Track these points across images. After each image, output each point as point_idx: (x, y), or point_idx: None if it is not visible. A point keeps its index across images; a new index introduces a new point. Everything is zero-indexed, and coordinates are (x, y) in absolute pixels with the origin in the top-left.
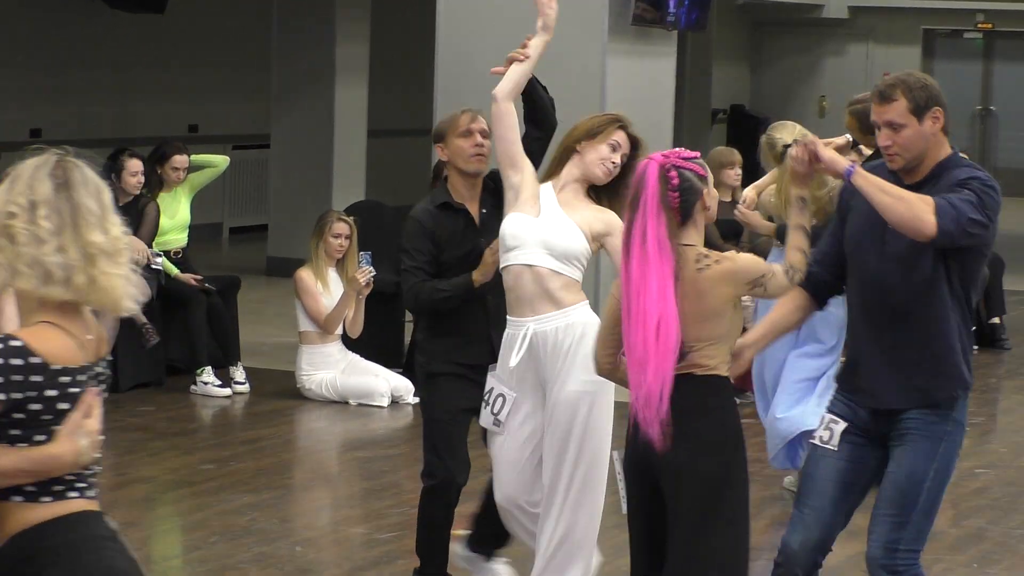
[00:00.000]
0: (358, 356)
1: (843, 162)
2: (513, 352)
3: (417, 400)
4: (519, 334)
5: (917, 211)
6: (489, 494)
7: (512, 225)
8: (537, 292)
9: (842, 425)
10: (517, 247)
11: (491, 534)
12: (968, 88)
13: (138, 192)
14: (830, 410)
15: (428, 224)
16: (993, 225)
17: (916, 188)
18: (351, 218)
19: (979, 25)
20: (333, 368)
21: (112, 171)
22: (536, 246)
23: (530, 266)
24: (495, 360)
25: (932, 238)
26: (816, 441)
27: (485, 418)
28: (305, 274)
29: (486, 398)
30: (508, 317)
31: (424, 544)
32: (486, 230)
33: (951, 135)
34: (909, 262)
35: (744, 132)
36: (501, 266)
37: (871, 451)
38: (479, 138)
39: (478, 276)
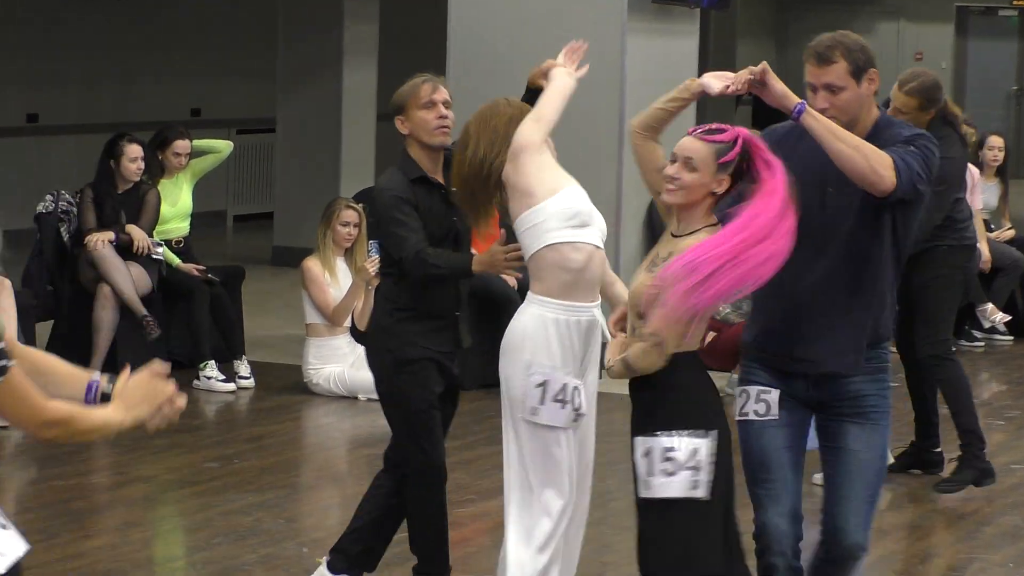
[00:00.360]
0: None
1: (794, 98)
2: (606, 334)
3: None
4: (596, 320)
5: (875, 164)
6: (363, 508)
7: (582, 200)
8: (598, 277)
9: (775, 392)
10: (590, 226)
11: (362, 552)
12: (1003, 67)
13: (138, 179)
14: (753, 381)
15: (408, 196)
16: (932, 183)
17: None
18: (360, 205)
19: (1015, 2)
20: (341, 362)
21: (111, 157)
22: (598, 228)
23: (599, 248)
24: (460, 346)
25: (887, 194)
26: (751, 416)
27: (563, 416)
28: (312, 264)
29: (559, 396)
30: (554, 299)
31: (422, 540)
32: (460, 210)
33: (986, 116)
34: (853, 221)
35: (770, 115)
36: (564, 241)
37: (803, 414)
38: (443, 109)
39: (478, 267)
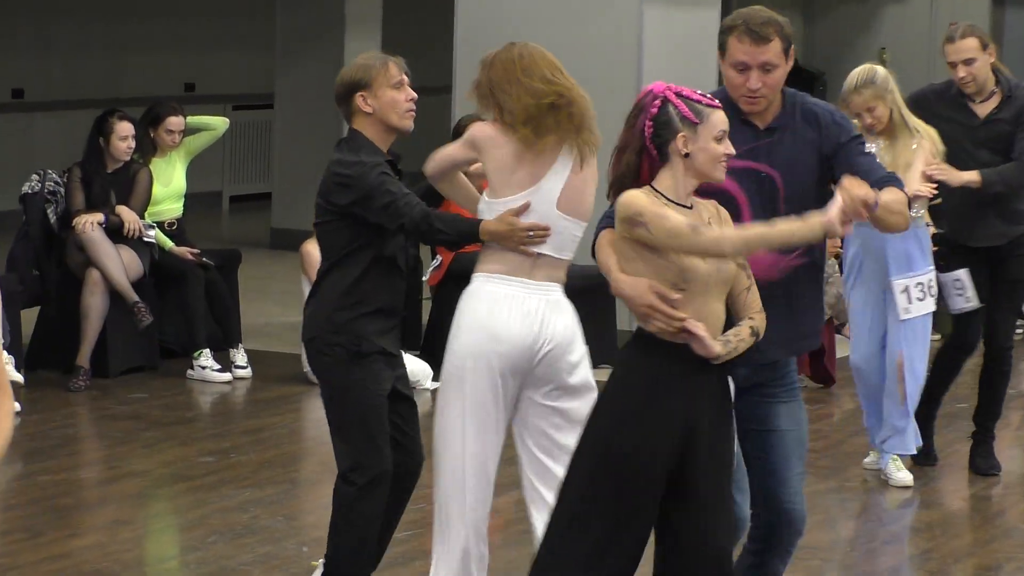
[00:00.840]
0: None
1: (872, 195)
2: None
3: (433, 386)
4: None
5: (907, 212)
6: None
7: None
8: None
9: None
10: None
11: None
12: None
13: (128, 158)
14: None
15: (391, 173)
16: None
17: (771, 131)
18: None
19: None
20: None
21: (101, 134)
22: None
23: None
24: (400, 349)
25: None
26: None
27: None
28: (312, 247)
29: None
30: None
31: (351, 552)
32: None
33: None
34: (811, 206)
35: (796, 88)
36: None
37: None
38: (411, 91)
39: (486, 236)
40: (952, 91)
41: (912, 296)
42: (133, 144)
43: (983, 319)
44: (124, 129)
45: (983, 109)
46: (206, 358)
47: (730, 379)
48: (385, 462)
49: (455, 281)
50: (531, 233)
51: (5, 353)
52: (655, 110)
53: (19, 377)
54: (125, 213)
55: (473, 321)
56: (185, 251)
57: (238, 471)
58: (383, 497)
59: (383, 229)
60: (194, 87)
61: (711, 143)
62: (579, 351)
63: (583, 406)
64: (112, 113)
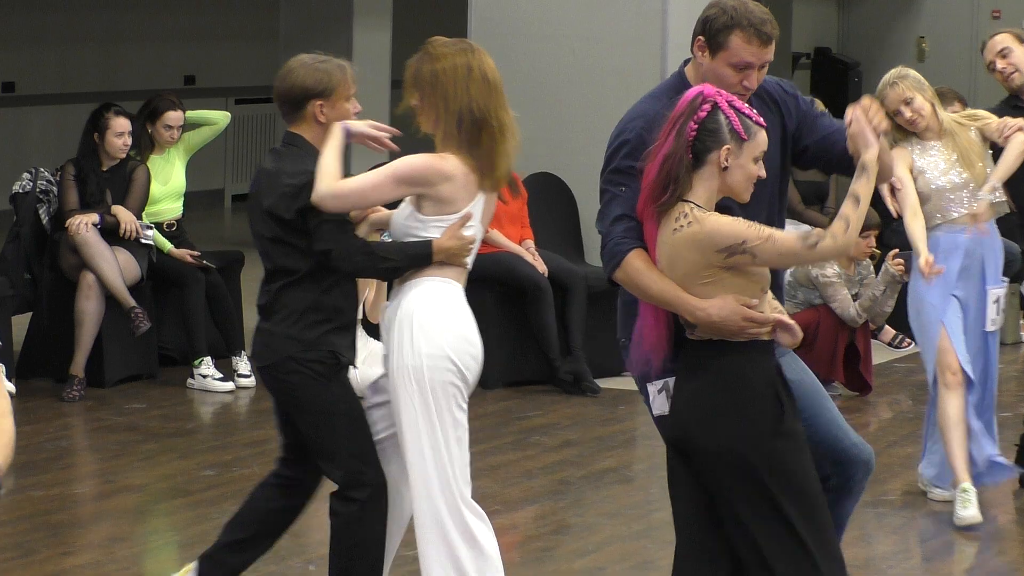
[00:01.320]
0: (379, 344)
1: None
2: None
3: None
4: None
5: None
6: (249, 519)
7: None
8: None
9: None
10: None
11: (240, 565)
12: None
13: (125, 155)
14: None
15: None
16: None
17: None
18: None
19: None
20: None
21: (96, 130)
22: None
23: None
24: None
25: None
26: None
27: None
28: None
29: None
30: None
31: (360, 571)
32: None
33: None
34: (780, 182)
35: (830, 79)
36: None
37: None
38: (357, 103)
39: (440, 256)
40: (1011, 104)
41: (999, 308)
42: (130, 140)
43: None
44: (120, 125)
45: None
46: (207, 366)
47: None
48: (381, 473)
49: None
50: (472, 246)
51: None
52: (703, 114)
53: (10, 386)
54: (121, 213)
55: (450, 323)
56: (185, 253)
57: (240, 485)
58: (386, 509)
59: None
60: (194, 80)
61: (750, 163)
62: None
63: None
64: (108, 108)
